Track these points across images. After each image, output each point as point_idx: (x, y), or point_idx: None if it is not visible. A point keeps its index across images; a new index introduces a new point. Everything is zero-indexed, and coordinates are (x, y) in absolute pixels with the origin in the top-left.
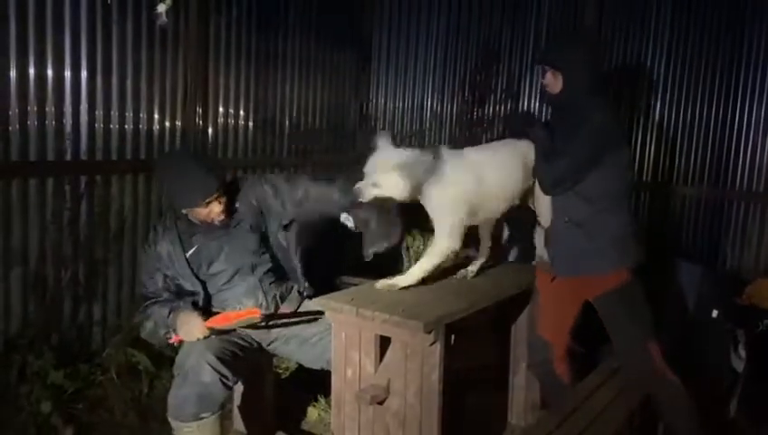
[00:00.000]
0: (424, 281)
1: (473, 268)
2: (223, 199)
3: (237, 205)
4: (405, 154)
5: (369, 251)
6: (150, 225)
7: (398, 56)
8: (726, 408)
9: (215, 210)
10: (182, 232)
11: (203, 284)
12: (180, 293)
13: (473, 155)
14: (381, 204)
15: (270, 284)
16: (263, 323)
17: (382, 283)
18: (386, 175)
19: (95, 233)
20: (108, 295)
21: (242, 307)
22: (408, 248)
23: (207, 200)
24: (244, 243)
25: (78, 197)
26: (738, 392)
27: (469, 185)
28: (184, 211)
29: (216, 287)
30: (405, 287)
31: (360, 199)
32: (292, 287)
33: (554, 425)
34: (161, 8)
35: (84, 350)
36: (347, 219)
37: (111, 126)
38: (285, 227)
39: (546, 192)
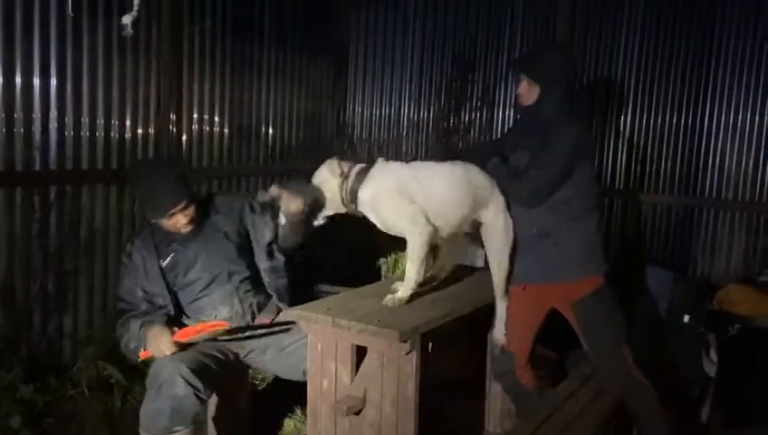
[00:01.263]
0: None
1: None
2: (188, 211)
3: (213, 215)
4: (337, 160)
5: (274, 191)
6: (123, 235)
7: (374, 64)
8: (699, 412)
9: (180, 221)
10: (158, 241)
11: (174, 296)
12: (153, 302)
13: (407, 166)
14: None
15: (246, 292)
16: (229, 335)
17: (389, 299)
18: (318, 172)
19: (65, 244)
20: (79, 307)
21: (217, 314)
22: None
23: (171, 213)
24: (221, 250)
25: (47, 207)
26: (710, 396)
27: (396, 178)
28: (153, 221)
29: (193, 295)
30: (410, 297)
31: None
32: (271, 298)
33: (529, 432)
34: (126, 19)
35: (55, 363)
36: (281, 216)
37: (82, 134)
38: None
39: (525, 204)
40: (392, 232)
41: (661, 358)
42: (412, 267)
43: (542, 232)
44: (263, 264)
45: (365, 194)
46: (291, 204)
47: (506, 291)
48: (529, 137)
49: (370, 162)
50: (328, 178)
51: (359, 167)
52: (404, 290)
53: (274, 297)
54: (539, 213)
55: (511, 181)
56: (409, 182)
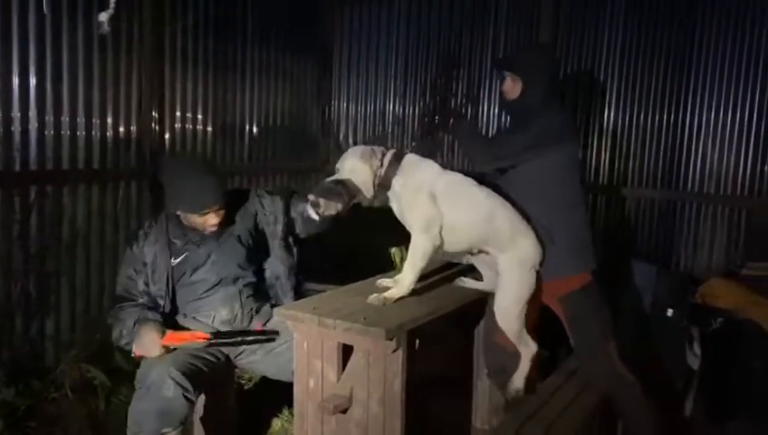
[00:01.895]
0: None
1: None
2: (221, 212)
3: (234, 217)
4: (369, 147)
5: (312, 199)
6: (106, 236)
7: (359, 61)
8: (683, 405)
9: (210, 221)
10: (173, 237)
11: (172, 296)
12: (153, 296)
13: (443, 171)
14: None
15: (248, 297)
16: (220, 342)
17: (374, 298)
18: (346, 159)
19: (46, 245)
20: (61, 309)
21: (216, 315)
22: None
23: (206, 211)
24: (232, 254)
25: (28, 208)
26: (694, 389)
27: (431, 179)
28: (178, 212)
29: (195, 295)
30: (399, 298)
31: (324, 186)
32: (267, 302)
33: (515, 429)
34: (103, 17)
35: (37, 366)
36: (309, 208)
37: (62, 133)
38: (293, 241)
39: (481, 166)
40: (403, 221)
41: (645, 351)
42: (410, 272)
43: (538, 224)
44: (282, 260)
45: (399, 183)
46: (333, 209)
47: (522, 338)
48: (515, 128)
49: (398, 151)
50: (361, 166)
51: (390, 154)
52: (395, 292)
53: (289, 296)
54: (529, 205)
55: (472, 141)
56: (441, 187)
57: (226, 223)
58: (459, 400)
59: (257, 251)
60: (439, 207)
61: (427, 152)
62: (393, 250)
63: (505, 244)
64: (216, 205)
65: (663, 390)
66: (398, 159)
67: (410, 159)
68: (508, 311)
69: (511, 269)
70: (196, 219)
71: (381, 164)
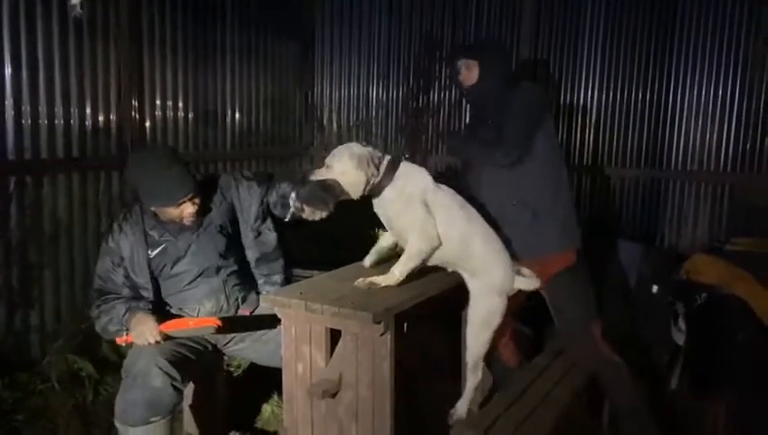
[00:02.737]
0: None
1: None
2: (197, 200)
3: (210, 205)
4: (363, 147)
5: (297, 206)
6: (89, 225)
7: (341, 44)
8: (668, 379)
9: (187, 211)
10: (149, 229)
11: (156, 287)
12: (136, 289)
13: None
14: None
15: (233, 286)
16: (218, 331)
17: (361, 281)
18: (340, 160)
19: (28, 236)
20: (45, 301)
21: (201, 308)
22: None
23: (181, 201)
24: (213, 244)
25: (7, 198)
26: (679, 364)
27: (424, 188)
28: (153, 209)
29: (177, 287)
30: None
31: (310, 178)
32: (252, 289)
33: (503, 408)
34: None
35: (22, 358)
36: (293, 200)
37: (40, 122)
38: (271, 228)
39: (502, 162)
40: (391, 231)
41: (631, 328)
42: (404, 267)
43: (521, 203)
44: (251, 249)
45: (391, 193)
46: (317, 216)
47: (478, 366)
48: (485, 114)
49: (396, 157)
50: (354, 173)
51: (386, 161)
52: (382, 280)
53: (259, 284)
54: (518, 182)
55: (482, 146)
56: (430, 198)
57: (203, 211)
58: (448, 381)
59: (238, 238)
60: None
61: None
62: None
63: (477, 270)
64: (189, 193)
65: (649, 365)
66: (393, 167)
67: (406, 167)
68: (475, 334)
69: (481, 295)
70: (172, 212)
71: (378, 172)
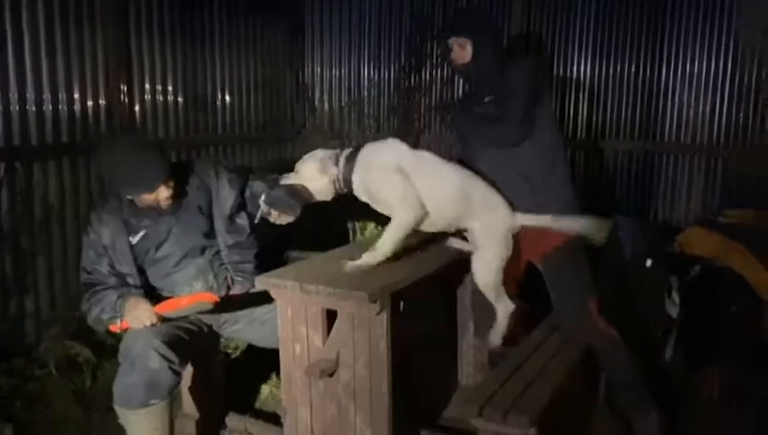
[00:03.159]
0: None
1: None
2: (171, 183)
3: (187, 187)
4: (327, 151)
5: (265, 209)
6: (80, 210)
7: (331, 24)
8: (663, 351)
9: (162, 195)
10: (128, 217)
11: (143, 273)
12: (124, 280)
13: (409, 149)
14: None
15: (220, 265)
16: (215, 308)
17: (350, 266)
18: (306, 165)
19: (20, 223)
20: (39, 287)
21: (192, 290)
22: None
23: (156, 187)
24: (194, 225)
25: None
26: (673, 336)
27: (394, 154)
28: (129, 198)
29: (164, 271)
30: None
31: (281, 181)
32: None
33: (499, 383)
34: None
35: (19, 344)
36: (262, 202)
37: (28, 108)
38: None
39: (512, 141)
40: (380, 208)
41: (626, 302)
42: (388, 242)
43: (521, 174)
44: (222, 237)
45: (358, 177)
46: (284, 220)
47: (500, 294)
48: (481, 90)
49: (352, 151)
50: (319, 178)
51: (345, 153)
52: (368, 259)
53: (230, 271)
54: (516, 156)
55: (484, 123)
56: (410, 164)
57: (180, 194)
58: (445, 357)
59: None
60: (414, 181)
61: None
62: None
63: (478, 213)
64: (164, 178)
65: (644, 337)
66: (352, 156)
67: (367, 150)
68: (485, 266)
69: (487, 235)
70: (148, 198)
71: (337, 168)
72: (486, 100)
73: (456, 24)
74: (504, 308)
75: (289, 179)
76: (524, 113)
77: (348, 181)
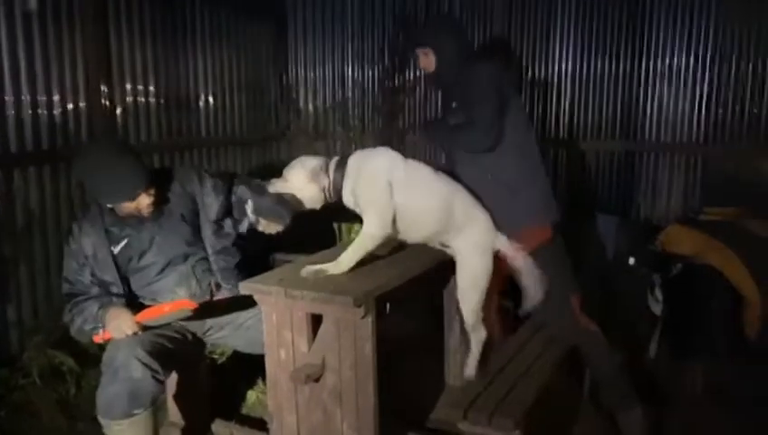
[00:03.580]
0: None
1: None
2: (152, 191)
3: (169, 194)
4: (315, 158)
5: (253, 219)
6: (62, 217)
7: (314, 24)
8: (647, 348)
9: (143, 202)
10: (109, 225)
11: (126, 282)
12: (105, 287)
13: (400, 157)
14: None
15: (204, 271)
16: (196, 315)
17: (308, 269)
18: (295, 174)
19: (1, 231)
20: (22, 296)
21: (175, 297)
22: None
23: (136, 195)
24: (177, 233)
25: None
26: (657, 333)
27: (385, 162)
28: (109, 206)
29: (147, 279)
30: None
31: (269, 189)
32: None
33: (484, 385)
34: None
35: (1, 354)
36: (249, 209)
37: (7, 114)
38: (231, 224)
39: (482, 147)
40: (358, 210)
41: (610, 300)
42: (352, 255)
43: (496, 178)
44: (209, 242)
45: (348, 186)
46: (273, 229)
47: (477, 323)
48: (450, 97)
49: (341, 158)
50: (308, 187)
51: (335, 161)
52: (331, 267)
53: (218, 277)
54: (491, 159)
55: (456, 132)
56: (399, 175)
57: (161, 201)
58: (431, 358)
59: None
60: (396, 196)
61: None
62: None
63: (460, 229)
64: (144, 185)
65: (628, 334)
66: (342, 164)
67: (356, 157)
68: (467, 295)
69: (468, 255)
70: (128, 206)
71: (327, 176)
72: (453, 106)
73: (419, 34)
74: (478, 337)
75: (276, 186)
76: (491, 115)
77: (338, 190)
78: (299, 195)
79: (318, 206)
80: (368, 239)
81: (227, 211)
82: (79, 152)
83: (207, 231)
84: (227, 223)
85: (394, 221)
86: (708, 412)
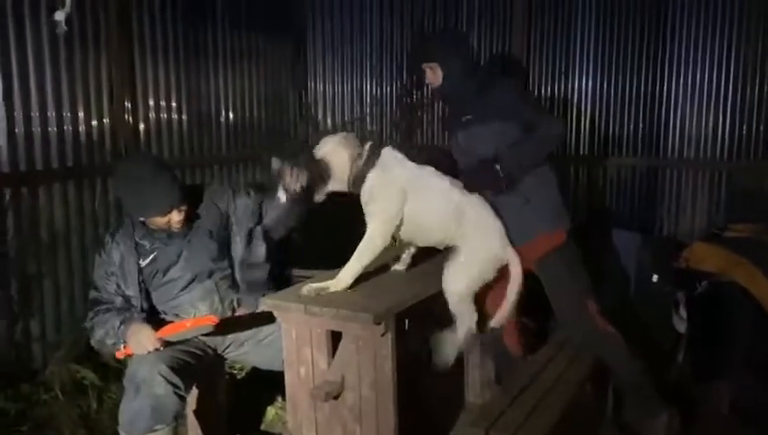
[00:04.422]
0: (370, 274)
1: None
2: (183, 208)
3: (198, 211)
4: (351, 135)
5: (276, 166)
6: (86, 233)
7: (333, 41)
8: (671, 367)
9: (175, 218)
10: (140, 239)
11: (148, 297)
12: (129, 302)
13: (416, 166)
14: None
15: (227, 289)
16: (216, 331)
17: (309, 288)
18: (326, 142)
19: (26, 247)
20: (45, 311)
21: (197, 312)
22: None
23: (168, 211)
24: (204, 249)
25: (3, 211)
26: (682, 352)
27: (407, 176)
28: (141, 220)
29: (170, 294)
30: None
31: (297, 167)
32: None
33: (508, 402)
34: (59, 15)
35: (25, 369)
36: (281, 193)
37: (34, 130)
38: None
39: (563, 130)
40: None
41: (633, 317)
42: (355, 265)
43: (509, 188)
44: (238, 253)
45: (372, 179)
46: (294, 178)
47: (462, 308)
48: (459, 110)
49: (375, 145)
50: (340, 152)
51: (368, 147)
52: (332, 284)
53: (244, 290)
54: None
55: (530, 143)
56: (415, 184)
57: (192, 218)
58: (451, 375)
59: (229, 244)
60: (410, 204)
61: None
62: None
63: (469, 234)
64: (176, 203)
65: (651, 354)
66: (375, 153)
67: (388, 153)
68: (453, 277)
69: (470, 251)
70: (159, 221)
71: (360, 155)
72: (464, 119)
73: (425, 50)
74: (463, 326)
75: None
76: (543, 113)
77: (363, 176)
78: (330, 162)
79: (344, 177)
80: (368, 250)
81: (260, 220)
82: (117, 166)
83: (239, 244)
84: (259, 234)
85: (398, 228)
86: (734, 433)
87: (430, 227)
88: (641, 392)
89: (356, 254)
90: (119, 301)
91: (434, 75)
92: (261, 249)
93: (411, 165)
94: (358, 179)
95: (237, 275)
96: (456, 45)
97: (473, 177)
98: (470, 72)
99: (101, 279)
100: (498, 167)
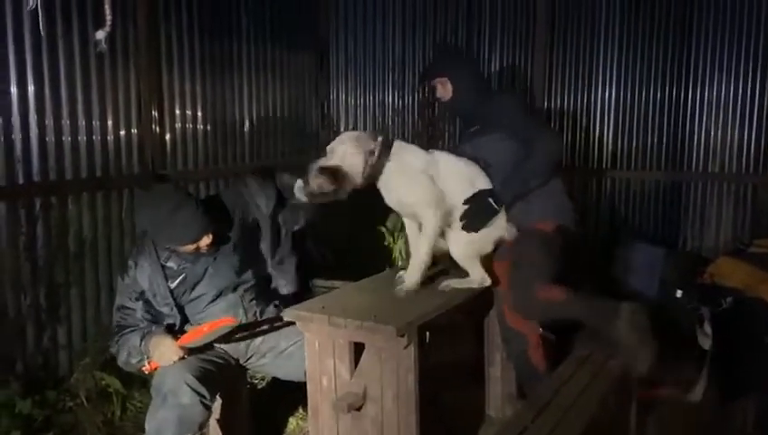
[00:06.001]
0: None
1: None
2: (211, 233)
3: (226, 231)
4: (363, 133)
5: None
6: (113, 242)
7: (355, 53)
8: (695, 383)
9: (203, 243)
10: (165, 262)
11: (181, 310)
12: (158, 319)
13: (429, 152)
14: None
15: (251, 301)
16: (236, 335)
17: (399, 290)
18: (340, 143)
19: (54, 256)
20: (72, 319)
21: None
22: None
23: (198, 239)
24: (228, 263)
25: (33, 220)
26: (706, 368)
27: (424, 161)
28: (169, 246)
29: (199, 308)
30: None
31: (315, 167)
32: (270, 303)
33: (530, 418)
34: (100, 35)
35: (51, 376)
36: (300, 189)
37: (64, 139)
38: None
39: (561, 146)
40: (403, 211)
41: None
42: (423, 249)
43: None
44: (269, 259)
45: (391, 166)
46: (315, 186)
47: (474, 265)
48: (467, 123)
49: (387, 138)
50: (354, 152)
51: (380, 140)
52: (413, 274)
53: (277, 282)
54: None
55: (530, 161)
56: (439, 170)
57: (220, 241)
58: (472, 389)
59: (252, 249)
60: (438, 183)
61: (428, 142)
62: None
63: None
64: (204, 232)
65: (675, 370)
66: (387, 146)
67: (400, 144)
68: (456, 238)
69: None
70: (187, 247)
71: (373, 152)
72: (471, 130)
73: (435, 65)
74: (476, 276)
75: (323, 162)
76: (538, 126)
77: (380, 168)
78: (343, 163)
79: (359, 176)
80: (432, 229)
81: (279, 201)
82: (142, 200)
83: (267, 231)
84: (284, 234)
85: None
86: None
87: (454, 205)
88: (595, 312)
89: (422, 241)
90: (144, 324)
91: (444, 90)
92: (287, 240)
93: (422, 152)
94: (374, 172)
95: (274, 278)
96: (465, 60)
97: (473, 218)
98: (478, 85)
99: (125, 306)
100: (491, 199)
